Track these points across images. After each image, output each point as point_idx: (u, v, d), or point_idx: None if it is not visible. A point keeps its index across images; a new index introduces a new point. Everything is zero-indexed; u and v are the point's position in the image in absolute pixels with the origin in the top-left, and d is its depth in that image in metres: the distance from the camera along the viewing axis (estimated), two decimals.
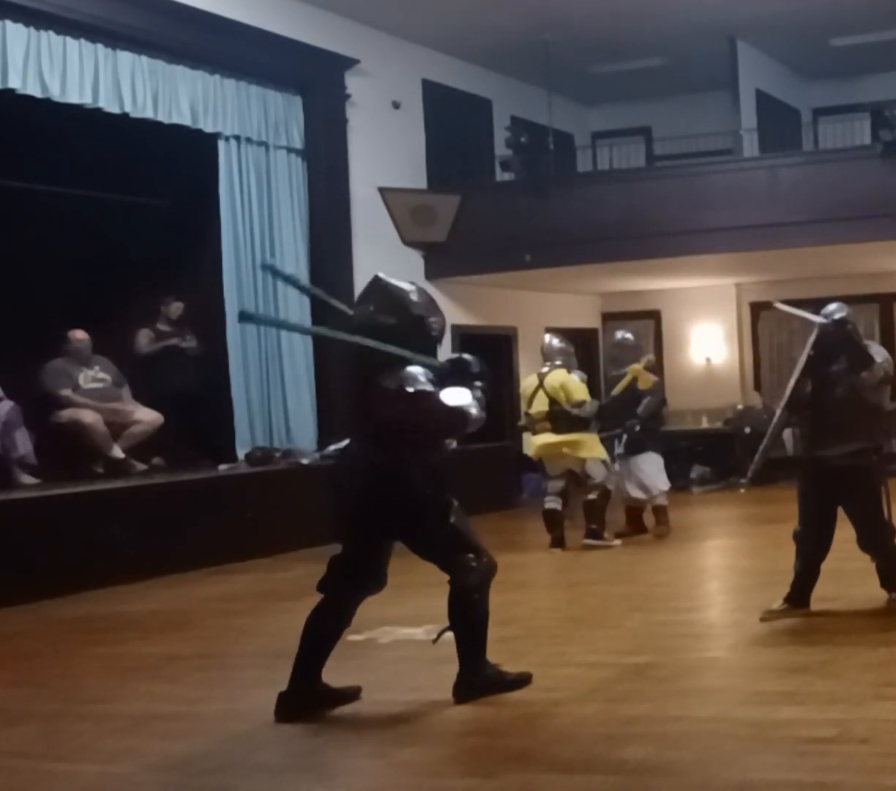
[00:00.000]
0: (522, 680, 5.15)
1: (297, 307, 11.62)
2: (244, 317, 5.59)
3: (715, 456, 14.64)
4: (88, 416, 10.10)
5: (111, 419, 10.29)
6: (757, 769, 3.95)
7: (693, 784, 3.85)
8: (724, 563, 9.20)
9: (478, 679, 5.01)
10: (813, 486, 6.43)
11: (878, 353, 6.50)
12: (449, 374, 4.94)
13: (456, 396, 4.79)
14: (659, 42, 13.97)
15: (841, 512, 6.37)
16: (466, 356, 5.06)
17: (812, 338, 6.39)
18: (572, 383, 9.53)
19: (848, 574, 6.94)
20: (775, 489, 14.31)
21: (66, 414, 10.11)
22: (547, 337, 9.96)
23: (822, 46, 14.47)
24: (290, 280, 6.38)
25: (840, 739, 4.20)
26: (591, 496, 9.56)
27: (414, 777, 4.11)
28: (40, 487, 9.26)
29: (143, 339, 11.27)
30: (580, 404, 9.41)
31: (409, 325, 4.95)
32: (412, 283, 5.17)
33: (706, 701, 4.88)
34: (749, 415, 14.83)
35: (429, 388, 4.82)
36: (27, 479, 9.42)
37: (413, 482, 4.97)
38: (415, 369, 4.87)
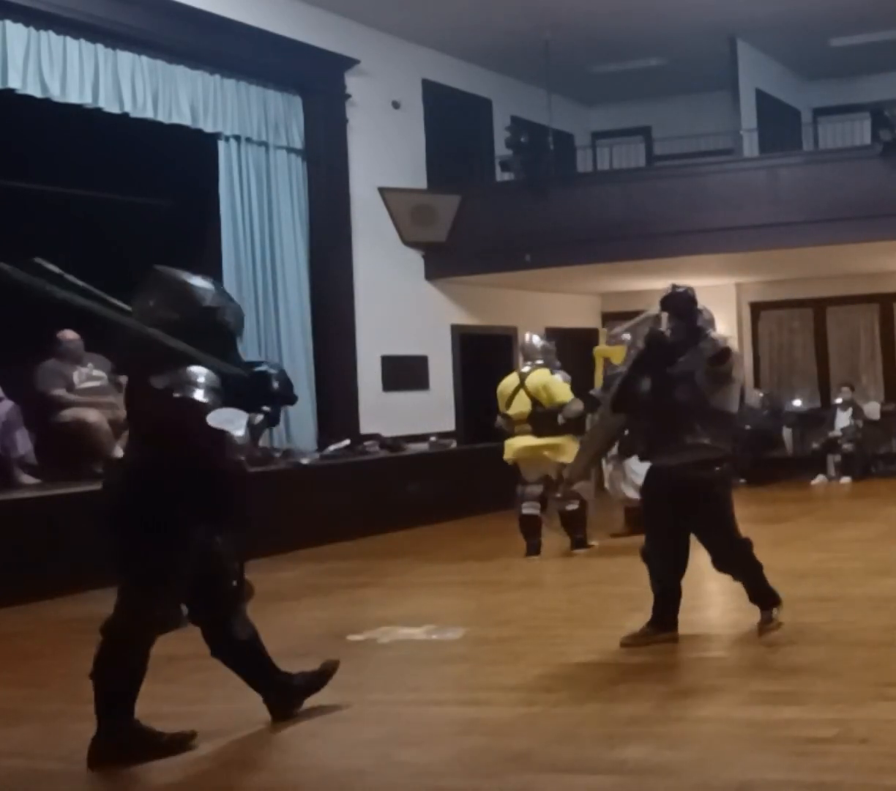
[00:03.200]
0: (182, 740, 4.41)
1: (297, 308, 11.63)
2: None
3: None
4: (93, 416, 10.06)
5: (109, 418, 10.26)
6: (757, 769, 3.95)
7: (693, 784, 3.85)
8: None
9: (121, 738, 4.36)
10: (656, 497, 5.91)
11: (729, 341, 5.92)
12: (244, 386, 4.25)
13: (225, 418, 4.02)
14: (659, 42, 13.98)
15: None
16: (271, 370, 4.38)
17: (646, 331, 5.87)
18: (555, 384, 9.11)
19: (847, 574, 6.95)
20: (775, 489, 14.35)
21: (69, 413, 10.07)
22: (527, 335, 9.61)
23: (822, 46, 14.48)
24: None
25: (840, 739, 4.20)
26: (570, 507, 9.21)
27: (414, 777, 4.10)
28: (40, 487, 9.25)
29: None
30: (562, 406, 9.00)
31: (196, 320, 4.26)
32: (199, 275, 4.45)
33: (706, 701, 4.88)
34: (749, 414, 14.81)
35: (201, 397, 4.08)
36: (27, 479, 9.40)
37: (153, 495, 4.27)
38: (196, 371, 4.14)
